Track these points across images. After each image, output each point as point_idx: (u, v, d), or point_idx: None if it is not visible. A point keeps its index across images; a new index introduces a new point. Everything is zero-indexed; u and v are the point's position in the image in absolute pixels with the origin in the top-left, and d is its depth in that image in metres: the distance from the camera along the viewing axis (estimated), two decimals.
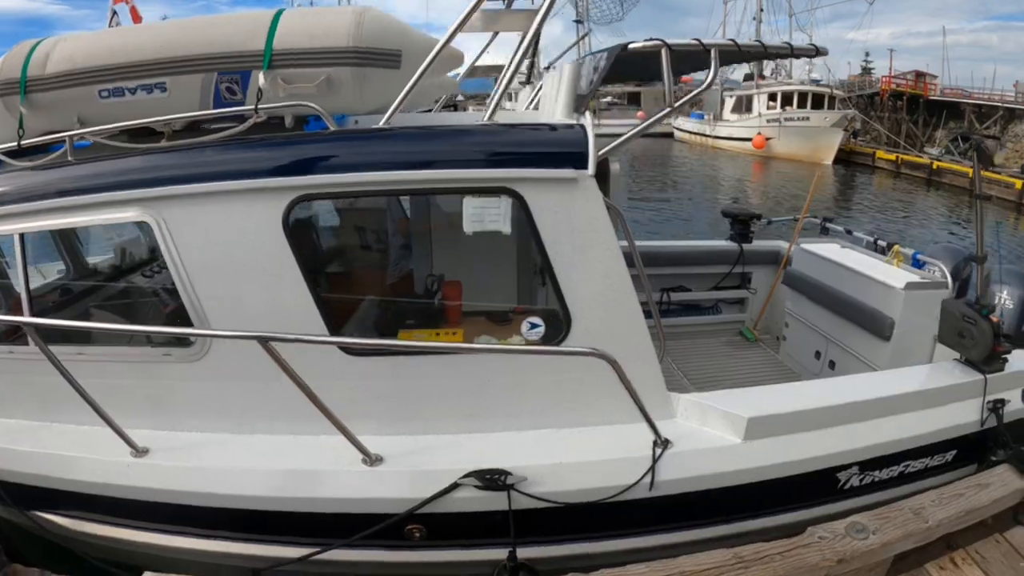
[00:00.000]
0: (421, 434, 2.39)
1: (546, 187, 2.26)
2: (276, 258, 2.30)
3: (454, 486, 2.15)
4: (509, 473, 2.16)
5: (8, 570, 2.19)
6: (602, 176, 2.38)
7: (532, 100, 3.76)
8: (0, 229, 2.47)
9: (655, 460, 2.26)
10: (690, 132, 32.87)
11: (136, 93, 2.50)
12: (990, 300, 4.03)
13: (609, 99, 39.68)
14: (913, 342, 3.49)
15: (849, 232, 4.82)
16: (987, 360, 2.89)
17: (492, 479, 2.13)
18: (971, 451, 2.80)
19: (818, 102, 25.51)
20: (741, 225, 5.13)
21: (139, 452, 2.35)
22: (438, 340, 2.55)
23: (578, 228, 2.29)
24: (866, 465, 2.56)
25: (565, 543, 2.36)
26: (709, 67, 2.35)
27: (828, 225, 5.04)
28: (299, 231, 2.45)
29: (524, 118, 2.60)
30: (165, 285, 2.65)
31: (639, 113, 37.07)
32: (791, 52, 2.50)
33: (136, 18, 3.47)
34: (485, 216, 2.25)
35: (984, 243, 3.09)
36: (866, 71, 36.53)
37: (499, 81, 2.41)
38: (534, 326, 2.49)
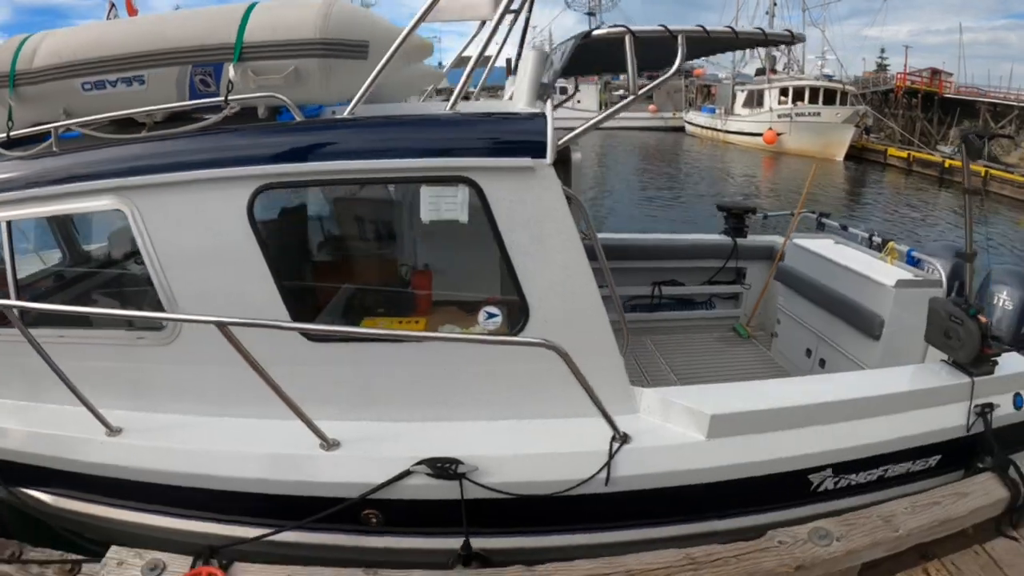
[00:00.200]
0: (379, 421, 2.35)
1: (503, 176, 2.18)
2: (241, 245, 2.29)
3: (406, 473, 2.11)
4: (461, 462, 2.10)
5: None
6: (564, 166, 2.27)
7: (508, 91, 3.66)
8: None
9: (611, 455, 2.16)
10: (701, 126, 32.09)
11: (116, 85, 2.50)
12: (989, 300, 3.82)
13: (621, 92, 39.00)
14: (904, 342, 3.29)
15: (844, 228, 4.60)
16: (975, 362, 2.69)
17: (443, 468, 2.08)
18: (957, 457, 2.62)
19: (830, 98, 24.64)
20: (735, 219, 4.91)
21: (113, 432, 2.37)
22: (399, 328, 2.49)
23: (536, 218, 2.21)
24: (840, 468, 2.40)
25: (521, 535, 2.28)
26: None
27: (824, 220, 4.82)
28: (265, 219, 2.43)
29: (490, 107, 2.50)
30: (145, 272, 2.65)
31: (651, 107, 36.43)
32: (764, 38, 2.33)
33: (131, 10, 3.42)
34: (442, 205, 2.19)
35: (973, 240, 2.89)
36: (881, 67, 35.38)
37: (465, 70, 2.31)
38: (491, 315, 2.41)
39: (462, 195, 2.19)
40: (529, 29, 3.25)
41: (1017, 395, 2.77)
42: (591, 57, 2.63)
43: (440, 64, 3.04)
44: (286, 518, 2.21)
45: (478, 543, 2.20)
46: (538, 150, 2.15)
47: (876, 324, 3.37)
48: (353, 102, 2.29)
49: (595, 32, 2.19)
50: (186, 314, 2.32)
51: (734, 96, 29.57)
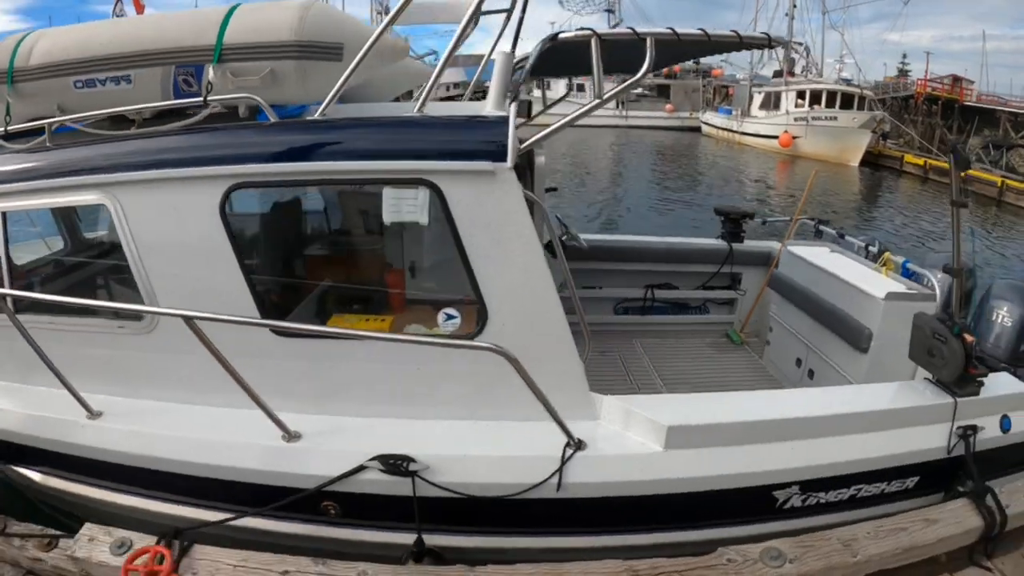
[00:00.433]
0: (342, 415, 2.34)
1: (463, 180, 2.13)
2: (214, 242, 2.29)
3: (360, 468, 2.09)
4: (413, 460, 2.08)
5: None
6: (528, 169, 2.20)
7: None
8: None
9: (563, 461, 2.10)
10: (717, 127, 31.30)
11: (106, 84, 2.52)
12: (988, 315, 3.60)
13: (639, 90, 38.22)
14: (893, 357, 3.11)
15: (842, 236, 4.40)
16: (959, 382, 2.53)
17: (395, 464, 2.06)
18: (937, 479, 2.47)
19: (847, 102, 23.70)
20: (732, 224, 4.72)
21: (93, 415, 2.42)
22: (365, 326, 2.47)
23: (495, 222, 2.15)
24: (808, 486, 2.27)
25: (475, 535, 2.25)
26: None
27: (822, 228, 4.63)
28: (237, 217, 2.43)
29: (459, 109, 2.44)
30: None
31: (668, 106, 35.70)
32: (740, 42, 2.18)
33: (138, 6, 3.42)
34: (403, 207, 2.15)
35: (962, 254, 2.70)
36: (902, 73, 34.16)
37: (434, 72, 2.25)
38: (450, 317, 2.37)
39: (422, 197, 2.14)
40: (525, 27, 3.14)
41: (1005, 417, 2.60)
42: (560, 59, 2.54)
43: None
44: (249, 505, 2.22)
45: (433, 540, 2.17)
46: (499, 154, 2.09)
47: (864, 337, 3.21)
48: (324, 104, 2.26)
49: (561, 35, 2.12)
50: (161, 307, 2.34)
51: (751, 97, 28.75)
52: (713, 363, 4.20)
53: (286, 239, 3.14)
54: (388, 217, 2.18)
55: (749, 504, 2.26)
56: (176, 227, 2.34)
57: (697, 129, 32.97)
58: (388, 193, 2.17)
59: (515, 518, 2.20)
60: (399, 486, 2.09)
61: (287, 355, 2.34)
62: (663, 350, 4.29)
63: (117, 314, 2.56)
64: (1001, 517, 2.16)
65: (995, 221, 14.92)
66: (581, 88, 25.89)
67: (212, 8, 2.47)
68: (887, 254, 3.80)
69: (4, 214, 2.55)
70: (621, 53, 2.21)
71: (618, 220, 13.43)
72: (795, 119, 24.61)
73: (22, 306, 2.47)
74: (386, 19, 2.17)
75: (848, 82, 25.20)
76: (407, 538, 2.18)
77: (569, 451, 2.12)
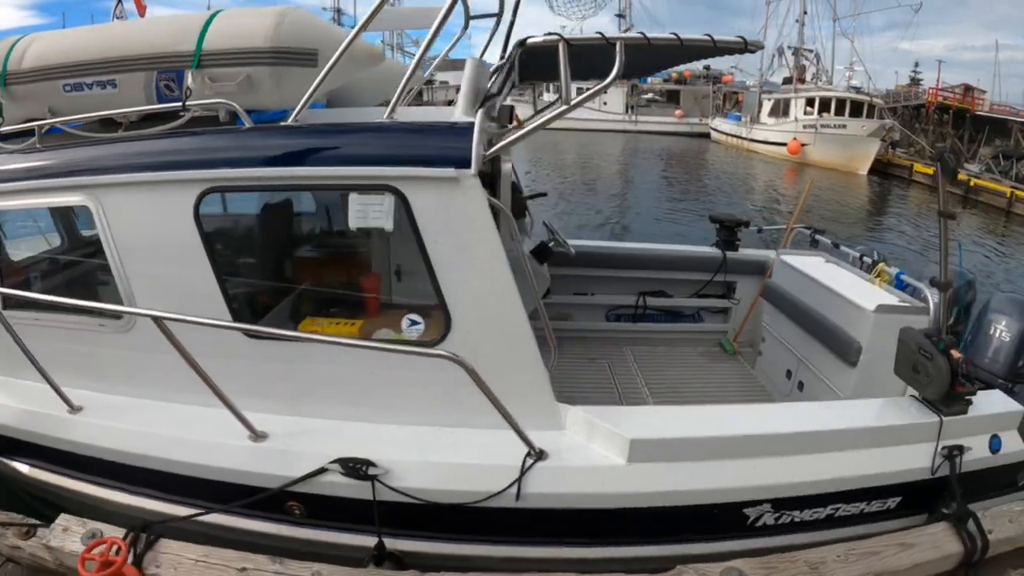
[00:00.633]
0: (309, 417, 2.32)
1: (427, 186, 2.08)
2: (188, 245, 2.28)
3: (321, 470, 2.07)
4: (373, 464, 2.05)
5: None
6: (494, 176, 2.14)
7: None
8: None
9: (523, 471, 2.04)
10: (726, 133, 30.83)
11: (92, 88, 2.51)
12: (986, 329, 3.43)
13: (650, 95, 37.80)
14: (882, 371, 2.96)
15: (836, 246, 4.24)
16: (945, 400, 2.40)
17: (354, 468, 2.04)
18: (921, 500, 2.34)
19: (857, 110, 23.19)
20: (727, 232, 4.56)
21: (74, 410, 2.43)
22: (334, 330, 2.44)
23: (459, 228, 2.10)
24: (781, 504, 2.16)
25: (436, 541, 2.19)
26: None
27: (818, 237, 4.47)
28: (212, 220, 2.43)
29: (430, 116, 2.40)
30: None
31: (677, 112, 35.26)
32: (713, 47, 2.07)
33: (141, 9, 3.41)
34: (369, 213, 2.11)
35: (949, 266, 2.56)
36: (915, 82, 33.38)
37: (405, 77, 2.19)
38: (413, 323, 2.33)
39: (388, 203, 2.10)
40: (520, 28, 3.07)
41: (995, 437, 2.46)
42: (532, 63, 2.48)
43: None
44: (217, 502, 2.21)
45: (395, 544, 2.13)
46: (462, 160, 2.04)
47: (853, 350, 3.07)
48: (297, 109, 2.23)
49: (529, 40, 2.06)
50: (139, 307, 2.33)
51: (760, 104, 28.30)
52: (703, 373, 4.06)
53: (262, 242, 3.12)
54: (354, 223, 2.14)
55: (717, 521, 2.16)
56: (153, 229, 2.34)
57: (706, 135, 32.54)
58: (354, 199, 2.13)
59: (475, 525, 2.15)
60: (360, 489, 2.06)
61: (260, 357, 2.32)
62: (654, 358, 4.16)
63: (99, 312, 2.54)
64: (983, 543, 2.03)
65: (1004, 232, 14.46)
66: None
67: (194, 13, 2.46)
68: (881, 265, 3.65)
69: None
70: (602, 58, 2.13)
71: (627, 226, 13.25)
72: (804, 126, 24.16)
73: (10, 302, 2.48)
74: (358, 26, 2.13)
75: (858, 90, 24.63)
76: (370, 541, 2.13)
77: (529, 461, 2.06)
